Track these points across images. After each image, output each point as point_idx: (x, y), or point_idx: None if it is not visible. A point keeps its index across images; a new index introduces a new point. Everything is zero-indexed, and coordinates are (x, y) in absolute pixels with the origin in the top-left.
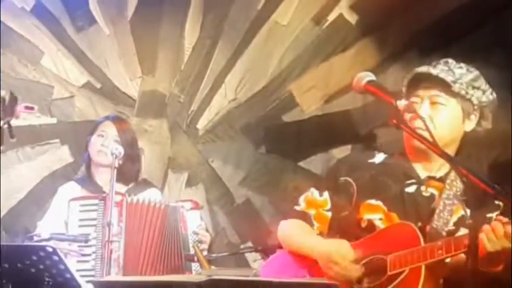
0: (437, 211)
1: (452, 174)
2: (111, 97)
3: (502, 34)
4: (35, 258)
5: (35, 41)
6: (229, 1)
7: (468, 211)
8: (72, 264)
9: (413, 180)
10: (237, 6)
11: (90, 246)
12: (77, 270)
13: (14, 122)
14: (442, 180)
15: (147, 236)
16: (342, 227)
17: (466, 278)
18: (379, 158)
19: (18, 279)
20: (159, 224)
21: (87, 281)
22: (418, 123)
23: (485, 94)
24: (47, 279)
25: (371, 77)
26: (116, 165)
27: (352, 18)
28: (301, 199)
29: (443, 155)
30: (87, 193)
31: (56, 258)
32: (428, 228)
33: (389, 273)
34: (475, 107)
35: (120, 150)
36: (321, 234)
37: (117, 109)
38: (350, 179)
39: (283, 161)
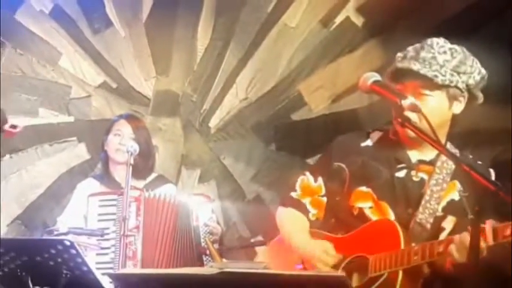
0: (423, 202)
1: (444, 157)
2: (127, 96)
3: (505, 34)
4: (53, 251)
5: (53, 42)
6: (240, 4)
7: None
8: (92, 257)
9: (403, 165)
10: (247, 9)
11: (109, 239)
12: (96, 263)
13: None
14: (432, 163)
15: (162, 229)
16: (336, 213)
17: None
18: (372, 138)
19: (37, 272)
20: (173, 218)
21: (104, 274)
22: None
23: (471, 77)
24: (65, 271)
25: (377, 77)
26: (132, 162)
27: (358, 20)
28: (297, 185)
29: (446, 152)
30: (105, 189)
31: (73, 251)
32: (412, 223)
33: (369, 275)
34: (463, 91)
35: (136, 147)
36: (317, 220)
37: (132, 108)
38: (343, 165)
39: (292, 158)
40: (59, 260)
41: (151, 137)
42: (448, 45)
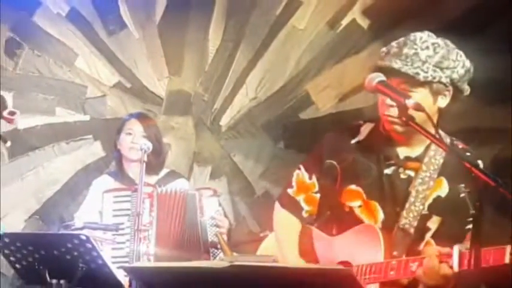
0: (407, 205)
1: (432, 151)
2: (140, 96)
3: (506, 36)
4: (69, 245)
5: (69, 44)
6: (250, 7)
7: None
8: (108, 251)
9: (392, 162)
10: (257, 12)
11: (123, 234)
12: (112, 257)
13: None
14: (419, 159)
15: (174, 223)
16: (328, 209)
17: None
18: (363, 133)
19: (54, 266)
20: (182, 211)
21: (118, 267)
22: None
23: (455, 71)
24: (81, 265)
25: (381, 77)
26: (145, 159)
27: (364, 22)
28: (293, 180)
29: (449, 149)
30: (120, 185)
31: (89, 245)
32: (395, 229)
33: None
34: (447, 85)
35: (149, 145)
36: (310, 216)
37: (146, 107)
38: (334, 162)
39: (300, 155)
40: (75, 253)
41: (164, 135)
42: (432, 39)
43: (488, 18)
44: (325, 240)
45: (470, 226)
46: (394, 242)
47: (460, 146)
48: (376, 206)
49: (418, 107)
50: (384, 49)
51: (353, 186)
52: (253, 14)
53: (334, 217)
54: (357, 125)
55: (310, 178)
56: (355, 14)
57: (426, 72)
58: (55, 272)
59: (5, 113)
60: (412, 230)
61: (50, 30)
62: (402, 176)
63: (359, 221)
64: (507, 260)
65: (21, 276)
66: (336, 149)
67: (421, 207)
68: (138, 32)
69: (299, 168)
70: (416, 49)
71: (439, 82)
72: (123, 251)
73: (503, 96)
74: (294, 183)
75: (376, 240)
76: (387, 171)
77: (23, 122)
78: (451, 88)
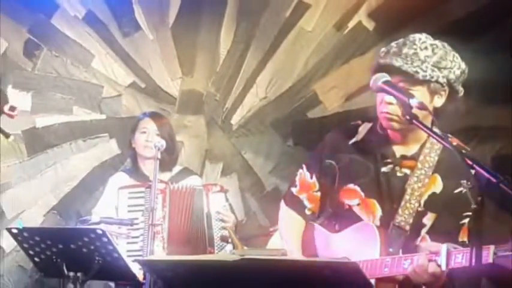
0: (402, 202)
1: (426, 149)
2: (154, 96)
3: (506, 38)
4: (86, 239)
5: (86, 45)
6: (260, 10)
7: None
8: (123, 245)
9: (389, 160)
10: (267, 15)
11: (138, 229)
12: (127, 251)
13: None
14: (414, 157)
15: (183, 217)
16: (329, 207)
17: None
18: (361, 133)
19: (71, 259)
20: (190, 206)
21: (133, 261)
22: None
23: (451, 71)
24: (97, 258)
25: (386, 77)
26: (159, 157)
27: (369, 25)
28: (297, 179)
29: (452, 147)
30: (135, 182)
31: (105, 239)
32: (390, 226)
33: None
34: (443, 85)
35: (163, 143)
36: (312, 213)
37: (160, 107)
38: (333, 162)
39: (308, 153)
40: (92, 247)
41: (178, 133)
42: (430, 41)
43: (489, 21)
44: (326, 238)
45: (465, 221)
46: (389, 239)
47: (455, 143)
48: (375, 203)
49: (422, 106)
50: (384, 49)
51: (351, 185)
52: (263, 16)
53: (334, 215)
54: (355, 125)
55: (311, 177)
56: (361, 16)
57: (425, 71)
58: (72, 265)
59: (5, 108)
60: (407, 227)
61: (68, 32)
62: (399, 174)
63: (358, 219)
64: (491, 260)
65: (40, 269)
66: (334, 149)
67: (416, 204)
68: (152, 33)
69: (302, 168)
70: (415, 49)
71: (437, 82)
72: (137, 245)
73: (504, 96)
74: (297, 183)
75: (373, 238)
76: (384, 169)
77: (41, 120)
78: (447, 88)
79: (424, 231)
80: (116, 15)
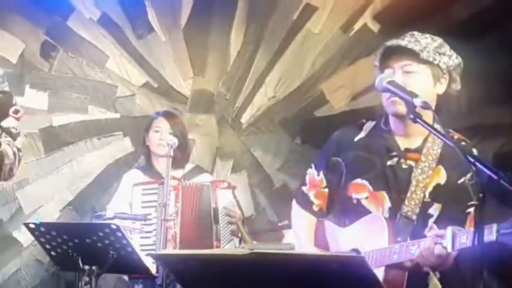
0: (408, 194)
1: (429, 143)
2: (167, 95)
3: (508, 39)
4: (101, 234)
5: (101, 46)
6: (269, 12)
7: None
8: (136, 240)
9: (394, 153)
10: (275, 17)
11: (151, 224)
12: (140, 245)
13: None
14: (418, 150)
15: (192, 212)
16: (338, 203)
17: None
18: (366, 130)
19: (87, 253)
20: (198, 201)
21: (146, 255)
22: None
23: (451, 58)
24: (111, 252)
25: (391, 78)
26: (172, 154)
27: (375, 27)
28: (307, 178)
29: (454, 144)
30: (148, 179)
31: (119, 234)
32: (397, 217)
33: None
34: (444, 71)
35: (175, 141)
36: (320, 210)
37: (172, 106)
38: (340, 159)
39: (315, 150)
40: (107, 241)
41: (189, 131)
42: (427, 35)
43: (491, 22)
44: (336, 232)
45: (470, 210)
46: (397, 229)
47: (456, 137)
48: (384, 195)
49: (426, 106)
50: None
51: (358, 180)
52: (272, 18)
53: (343, 210)
54: (359, 124)
55: (318, 175)
56: (366, 19)
57: (428, 52)
58: (87, 258)
59: (10, 111)
60: (414, 217)
61: (83, 34)
62: (404, 166)
63: (367, 212)
64: (494, 238)
65: (56, 263)
66: (340, 147)
67: (422, 195)
68: (165, 35)
69: (311, 167)
70: (416, 38)
71: (438, 66)
72: (150, 239)
73: (506, 95)
74: (307, 181)
75: (382, 228)
76: (390, 162)
77: (58, 119)
78: (447, 76)
79: (431, 221)
80: (129, 18)
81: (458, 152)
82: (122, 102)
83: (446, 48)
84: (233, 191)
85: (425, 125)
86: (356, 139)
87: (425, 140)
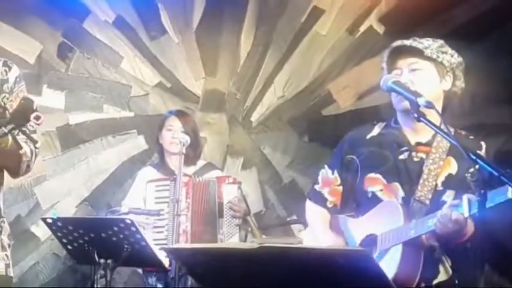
0: (421, 180)
1: (439, 137)
2: (180, 95)
3: (507, 42)
4: (116, 229)
5: (116, 48)
6: (278, 15)
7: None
8: (150, 234)
9: (405, 148)
10: (284, 20)
11: (163, 219)
12: (154, 240)
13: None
14: (428, 144)
15: (202, 207)
16: (353, 198)
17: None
18: (376, 129)
19: (102, 247)
20: (206, 196)
21: (159, 249)
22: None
23: (453, 57)
24: (126, 246)
25: (395, 78)
26: (184, 152)
27: (380, 29)
28: (319, 177)
29: (456, 142)
30: (161, 176)
31: (133, 228)
32: (411, 200)
33: (378, 250)
34: (448, 69)
35: (187, 139)
36: (334, 206)
37: (185, 105)
38: (354, 156)
39: (323, 148)
40: (121, 236)
41: (201, 130)
42: (428, 38)
43: (492, 25)
44: (351, 223)
45: None
46: (411, 212)
47: (463, 133)
48: (398, 186)
49: (429, 105)
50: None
51: (372, 174)
52: (281, 21)
53: (358, 205)
54: (371, 124)
55: (332, 173)
56: (371, 21)
57: (432, 50)
58: (103, 252)
59: (31, 117)
60: (427, 202)
61: (98, 36)
62: (415, 159)
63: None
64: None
65: (73, 256)
66: (353, 145)
67: (434, 183)
68: (177, 37)
69: (323, 168)
70: (419, 41)
71: (442, 63)
72: (163, 234)
73: (507, 95)
74: (319, 180)
75: (397, 212)
76: (401, 157)
77: (74, 118)
78: (451, 74)
79: (445, 208)
80: (143, 20)
81: (461, 150)
82: (136, 101)
83: (447, 48)
84: (239, 186)
85: (429, 124)
86: (368, 137)
87: (435, 134)
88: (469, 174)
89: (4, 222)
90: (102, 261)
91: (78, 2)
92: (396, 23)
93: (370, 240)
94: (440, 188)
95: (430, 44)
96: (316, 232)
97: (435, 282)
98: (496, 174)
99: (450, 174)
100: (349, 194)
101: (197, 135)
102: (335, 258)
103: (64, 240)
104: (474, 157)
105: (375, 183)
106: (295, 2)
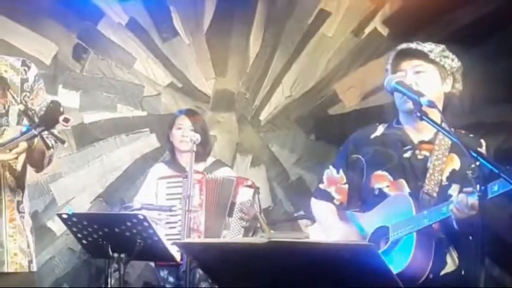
0: (427, 175)
1: (441, 134)
2: (190, 94)
3: (507, 43)
4: (129, 224)
5: (129, 49)
6: (285, 18)
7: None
8: (162, 229)
9: (409, 146)
10: (291, 22)
11: (176, 215)
12: (166, 235)
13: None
14: (431, 142)
15: (216, 204)
16: (359, 195)
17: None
18: (380, 130)
19: (116, 241)
20: (220, 193)
21: (172, 244)
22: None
23: (453, 61)
24: (138, 241)
25: (399, 78)
26: (195, 149)
27: (384, 31)
28: (324, 177)
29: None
30: (173, 172)
31: (146, 224)
32: (420, 194)
33: (391, 239)
34: (448, 72)
35: (198, 137)
36: (341, 204)
37: (195, 104)
38: (359, 156)
39: (329, 146)
40: (134, 231)
41: (211, 128)
42: (431, 42)
43: (493, 27)
44: (361, 216)
45: None
46: (421, 204)
47: (463, 132)
48: (403, 183)
49: (431, 105)
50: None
51: (379, 172)
52: (288, 23)
53: (364, 201)
54: (373, 126)
55: (337, 172)
56: (376, 23)
57: (435, 54)
58: (116, 246)
59: (60, 119)
60: (434, 195)
61: (112, 37)
62: (419, 156)
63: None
64: None
65: (87, 251)
66: (358, 145)
67: (439, 178)
68: (189, 38)
69: (328, 168)
70: (422, 44)
71: (443, 67)
72: (175, 229)
73: (506, 95)
74: (324, 180)
75: (408, 204)
76: (406, 155)
77: (88, 117)
78: (451, 77)
79: (460, 194)
80: (155, 22)
81: (462, 147)
82: (149, 101)
83: (448, 53)
84: (255, 191)
85: (431, 122)
86: (372, 137)
87: (437, 132)
88: (470, 171)
89: (29, 219)
90: (115, 255)
91: (92, 5)
92: (400, 26)
93: (382, 231)
94: (445, 182)
95: (433, 48)
96: (326, 224)
97: (442, 273)
98: (496, 171)
99: (454, 170)
100: (354, 192)
101: (206, 133)
102: (341, 252)
103: (79, 235)
104: (475, 154)
105: (381, 180)
106: (303, 4)
